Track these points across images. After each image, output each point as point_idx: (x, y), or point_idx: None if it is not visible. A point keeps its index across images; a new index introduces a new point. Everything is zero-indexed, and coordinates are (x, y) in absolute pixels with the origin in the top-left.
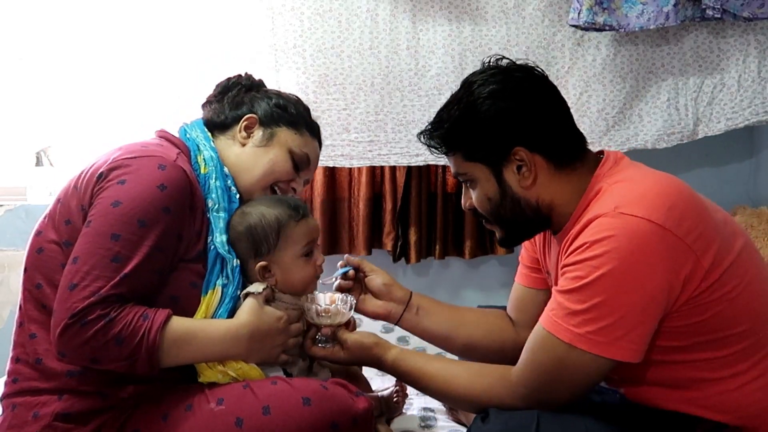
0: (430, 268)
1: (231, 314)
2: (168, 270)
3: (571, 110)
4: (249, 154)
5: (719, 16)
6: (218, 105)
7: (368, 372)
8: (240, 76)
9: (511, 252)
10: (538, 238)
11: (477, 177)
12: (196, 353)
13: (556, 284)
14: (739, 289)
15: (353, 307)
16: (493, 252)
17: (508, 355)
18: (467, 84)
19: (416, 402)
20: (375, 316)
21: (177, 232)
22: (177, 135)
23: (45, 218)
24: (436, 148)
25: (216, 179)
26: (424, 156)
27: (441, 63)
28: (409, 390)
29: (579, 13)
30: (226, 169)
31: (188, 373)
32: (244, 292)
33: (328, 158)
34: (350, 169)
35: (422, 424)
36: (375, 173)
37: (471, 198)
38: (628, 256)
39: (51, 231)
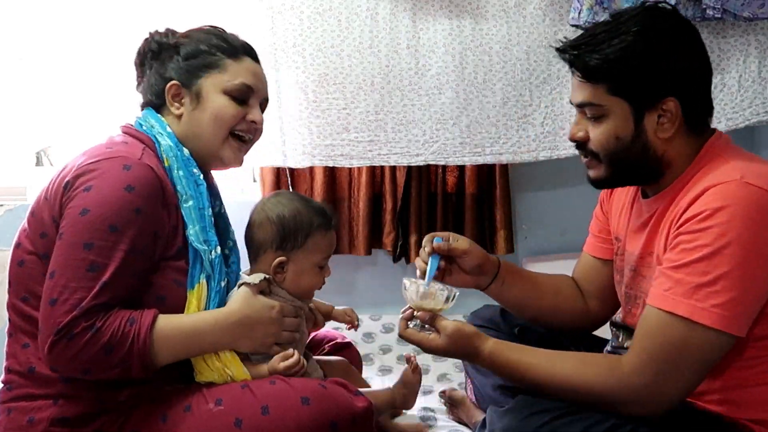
0: None
1: (221, 305)
2: (150, 271)
3: (572, 110)
4: (190, 123)
5: (719, 16)
6: (143, 84)
7: (368, 372)
8: (146, 40)
9: (511, 252)
10: (610, 203)
11: (613, 113)
12: (189, 348)
13: (639, 254)
14: None
15: (453, 299)
16: (493, 252)
17: (578, 324)
18: (629, 19)
19: (416, 402)
20: (465, 286)
21: (152, 231)
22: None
23: (22, 230)
24: (578, 69)
25: (178, 169)
26: (424, 156)
27: (441, 62)
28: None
29: (579, 13)
30: (186, 152)
31: (186, 373)
32: (241, 282)
33: (328, 158)
34: (350, 169)
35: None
36: (375, 173)
37: (586, 130)
38: (756, 226)
39: (28, 243)
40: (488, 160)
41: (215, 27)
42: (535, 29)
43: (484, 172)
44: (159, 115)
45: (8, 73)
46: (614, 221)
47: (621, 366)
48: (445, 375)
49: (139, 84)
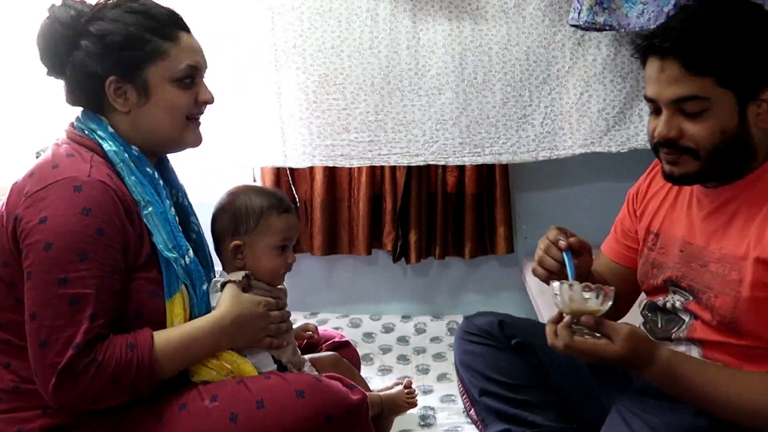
0: (430, 268)
1: (208, 308)
2: (124, 284)
3: (572, 110)
4: (141, 117)
5: None
6: (65, 83)
7: (368, 372)
8: (45, 21)
9: (511, 252)
10: (654, 196)
11: (718, 106)
12: (191, 357)
13: (704, 246)
14: None
15: (611, 296)
16: (494, 252)
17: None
18: (722, 9)
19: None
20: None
21: (120, 247)
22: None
23: None
24: (683, 59)
25: (130, 174)
26: (424, 156)
27: (441, 62)
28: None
29: (579, 13)
30: (135, 150)
31: (181, 373)
32: (222, 281)
33: (328, 158)
34: (350, 169)
35: (422, 423)
36: (375, 173)
37: (678, 128)
38: None
39: None
40: (488, 160)
41: (136, 8)
42: (534, 30)
43: (484, 172)
44: (98, 116)
45: (8, 73)
46: (648, 217)
47: None
48: (445, 375)
49: (63, 76)
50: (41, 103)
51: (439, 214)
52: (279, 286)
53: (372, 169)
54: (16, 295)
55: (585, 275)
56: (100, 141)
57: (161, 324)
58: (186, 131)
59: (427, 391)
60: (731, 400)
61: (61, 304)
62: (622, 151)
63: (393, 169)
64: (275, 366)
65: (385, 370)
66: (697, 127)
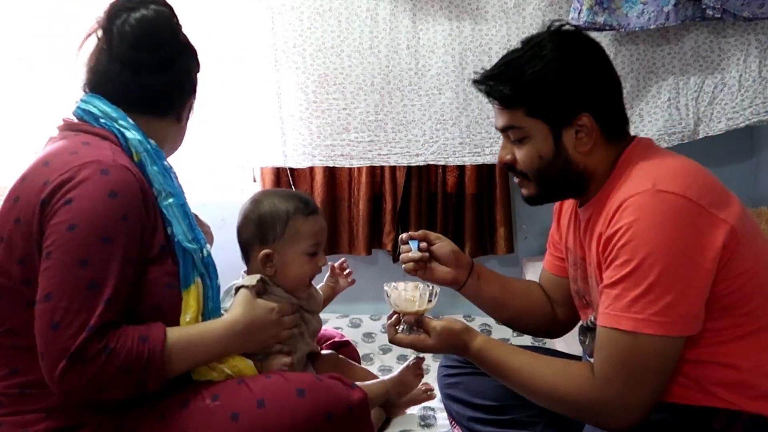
0: None
1: (218, 304)
2: (138, 276)
3: None
4: (180, 131)
5: (719, 16)
6: (128, 74)
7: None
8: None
9: (511, 252)
10: (564, 214)
11: (533, 134)
12: (199, 358)
13: (588, 260)
14: (754, 268)
15: (436, 295)
16: (494, 252)
17: (548, 327)
18: (538, 44)
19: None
20: (443, 282)
21: (138, 235)
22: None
23: None
24: (494, 99)
25: (152, 164)
26: (424, 156)
27: (441, 62)
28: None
29: (579, 13)
30: (153, 143)
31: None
32: (237, 285)
33: (328, 158)
34: (350, 169)
35: (422, 423)
36: (375, 173)
37: (511, 153)
38: (670, 230)
39: (3, 275)
40: (488, 160)
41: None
42: (534, 30)
43: (484, 172)
44: (115, 106)
45: (8, 73)
46: (564, 232)
47: (594, 380)
48: None
49: (109, 55)
50: (41, 104)
51: (439, 214)
52: (311, 290)
53: (372, 169)
54: (29, 299)
55: (452, 261)
56: (123, 130)
57: (177, 317)
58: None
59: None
60: (530, 383)
61: (78, 287)
62: None
63: (393, 169)
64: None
65: (385, 370)
66: (520, 153)
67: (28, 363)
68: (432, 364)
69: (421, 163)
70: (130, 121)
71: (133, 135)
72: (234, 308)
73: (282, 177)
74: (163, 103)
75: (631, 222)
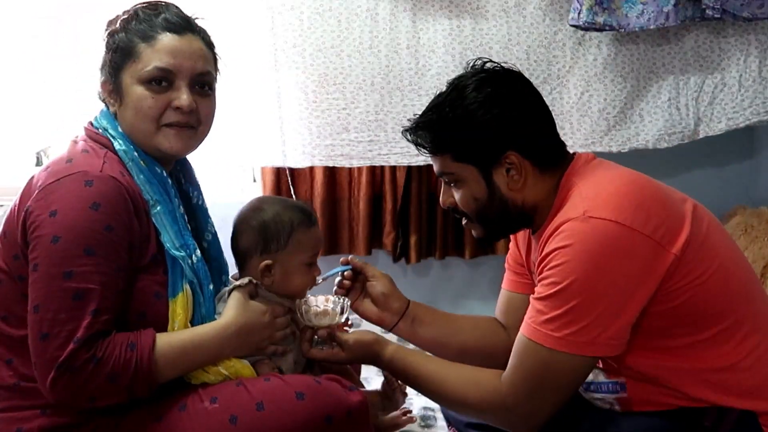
0: (431, 268)
1: (212, 310)
2: (129, 284)
3: (572, 110)
4: (123, 120)
5: (719, 16)
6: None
7: (368, 371)
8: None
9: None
10: (521, 238)
11: (465, 177)
12: (191, 363)
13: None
14: (710, 271)
15: (347, 308)
16: (493, 252)
17: (499, 359)
18: (458, 87)
19: (416, 402)
20: (368, 320)
21: (126, 244)
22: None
23: None
24: (422, 147)
25: (139, 173)
26: (424, 156)
27: (441, 62)
28: (410, 390)
29: (579, 13)
30: (140, 150)
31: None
32: (229, 288)
33: (328, 158)
34: (350, 169)
35: (422, 424)
36: (375, 173)
37: (452, 197)
38: (598, 258)
39: (2, 263)
40: None
41: (147, 3)
42: (534, 29)
43: None
44: (111, 115)
45: (8, 72)
46: (524, 257)
47: (501, 387)
48: None
49: None
50: (41, 104)
51: (440, 214)
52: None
53: (372, 169)
54: (23, 290)
55: (382, 302)
56: (112, 139)
57: (164, 325)
58: (158, 136)
59: None
60: (439, 391)
61: (64, 298)
62: (623, 150)
63: (393, 169)
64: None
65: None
66: (457, 196)
67: (22, 356)
68: None
69: (421, 163)
70: (120, 129)
71: (119, 145)
72: (226, 311)
73: (282, 177)
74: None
75: (561, 247)
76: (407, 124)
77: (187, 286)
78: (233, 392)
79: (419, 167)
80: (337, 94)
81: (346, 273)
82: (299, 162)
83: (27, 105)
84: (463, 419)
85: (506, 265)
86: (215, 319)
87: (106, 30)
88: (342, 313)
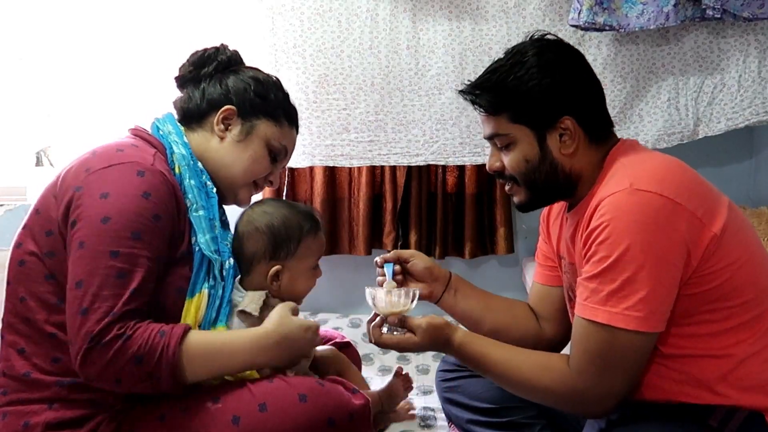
0: None
1: (216, 317)
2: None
3: None
4: (228, 150)
5: (719, 16)
6: (192, 88)
7: (368, 371)
8: (217, 49)
9: (511, 252)
10: (553, 222)
11: (518, 139)
12: (222, 365)
13: (576, 264)
14: (743, 259)
15: (417, 297)
16: (494, 252)
17: (528, 345)
18: (520, 52)
19: (416, 402)
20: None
21: (168, 236)
22: (151, 131)
23: (24, 229)
24: (480, 106)
25: (190, 178)
26: (424, 156)
27: (441, 62)
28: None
29: (579, 13)
30: (200, 164)
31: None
32: (240, 308)
33: (328, 158)
34: (350, 169)
35: (422, 424)
36: (375, 173)
37: (499, 160)
38: (647, 228)
39: (30, 242)
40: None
41: (281, 86)
42: (534, 29)
43: (484, 172)
44: (178, 124)
45: (8, 73)
46: (555, 240)
47: (570, 372)
48: None
49: (183, 80)
50: (41, 104)
51: (439, 214)
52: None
53: (372, 169)
54: (50, 270)
55: (428, 276)
56: (172, 144)
57: (177, 321)
58: (243, 188)
59: (427, 392)
60: (509, 375)
61: (109, 276)
62: None
63: (393, 169)
64: None
65: (385, 370)
66: (508, 158)
67: (36, 344)
68: (432, 364)
69: (421, 163)
70: (185, 139)
71: (179, 150)
72: (269, 320)
73: (281, 177)
74: (195, 113)
75: (608, 220)
76: (407, 123)
77: (205, 290)
78: (236, 393)
79: (419, 167)
80: (337, 94)
81: (396, 268)
82: (299, 162)
83: (27, 105)
84: (464, 416)
85: (536, 260)
86: (224, 324)
87: (220, 56)
88: (413, 301)
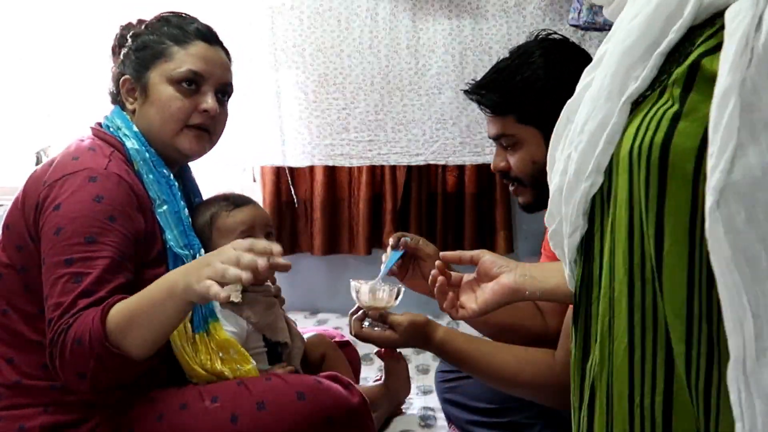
0: None
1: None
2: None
3: None
4: (143, 115)
5: None
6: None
7: (368, 371)
8: (116, 34)
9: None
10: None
11: (525, 140)
12: (150, 316)
13: None
14: None
15: (401, 295)
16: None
17: (534, 339)
18: (526, 52)
19: (416, 402)
20: (424, 293)
21: (132, 236)
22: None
23: None
24: (486, 106)
25: (148, 173)
26: (424, 156)
27: (441, 62)
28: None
29: (579, 13)
30: (153, 151)
31: (179, 374)
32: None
33: (327, 158)
34: (350, 169)
35: (422, 423)
36: (375, 173)
37: (504, 160)
38: None
39: (4, 256)
40: (488, 160)
41: (174, 13)
42: (534, 29)
43: (484, 172)
44: (125, 114)
45: (8, 73)
46: None
47: (554, 364)
48: None
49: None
50: (41, 104)
51: (439, 214)
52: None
53: (372, 169)
54: (26, 282)
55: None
56: (123, 139)
57: None
58: (179, 137)
59: (427, 392)
60: (492, 371)
61: (66, 282)
62: None
63: (393, 169)
64: (244, 326)
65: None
66: (514, 159)
67: (23, 352)
68: (432, 364)
69: (421, 163)
70: (135, 129)
71: (131, 144)
72: None
73: (282, 177)
74: (116, 97)
75: None
76: (407, 123)
77: None
78: (234, 392)
79: (419, 167)
80: (337, 93)
81: (407, 249)
82: (299, 161)
83: (27, 105)
84: (464, 417)
85: (542, 251)
86: (216, 318)
87: (127, 32)
88: (396, 298)
